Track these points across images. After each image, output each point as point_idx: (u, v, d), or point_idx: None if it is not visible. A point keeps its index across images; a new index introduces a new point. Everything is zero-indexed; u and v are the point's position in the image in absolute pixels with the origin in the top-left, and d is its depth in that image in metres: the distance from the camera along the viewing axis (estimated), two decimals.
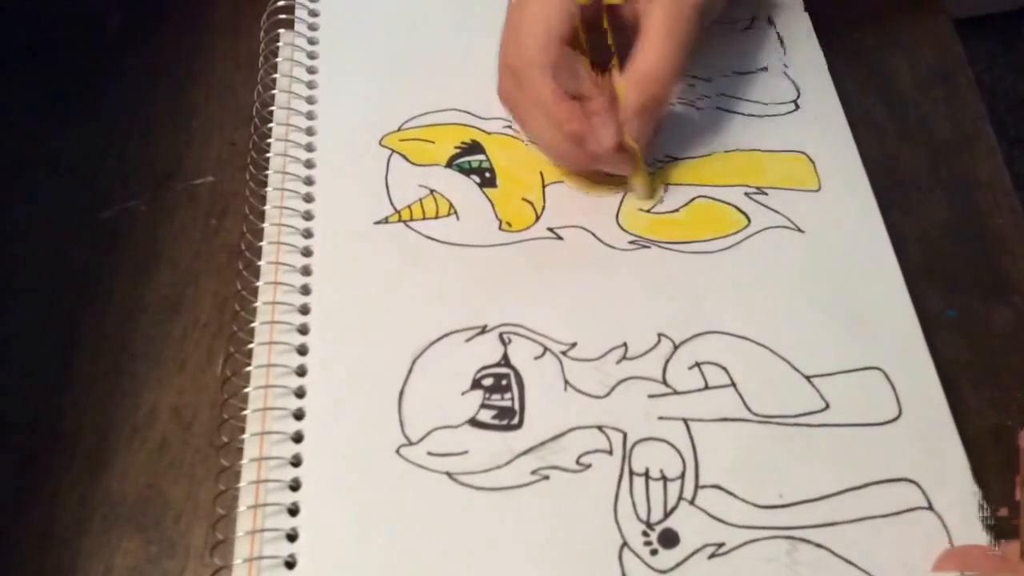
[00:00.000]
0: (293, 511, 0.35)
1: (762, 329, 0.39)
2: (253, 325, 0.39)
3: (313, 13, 0.49)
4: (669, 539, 0.35)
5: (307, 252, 0.41)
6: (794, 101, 0.46)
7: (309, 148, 0.44)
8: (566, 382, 0.38)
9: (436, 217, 0.42)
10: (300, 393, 0.38)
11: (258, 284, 0.40)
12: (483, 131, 0.45)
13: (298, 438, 0.37)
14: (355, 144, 0.45)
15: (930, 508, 0.35)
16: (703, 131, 0.45)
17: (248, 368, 0.38)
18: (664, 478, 0.36)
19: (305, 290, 0.40)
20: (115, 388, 0.40)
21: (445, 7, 0.50)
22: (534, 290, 0.40)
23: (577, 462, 0.36)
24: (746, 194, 0.43)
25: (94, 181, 0.46)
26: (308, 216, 0.42)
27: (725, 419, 0.37)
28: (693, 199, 0.43)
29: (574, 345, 0.39)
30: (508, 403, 0.37)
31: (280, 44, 0.47)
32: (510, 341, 0.39)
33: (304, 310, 0.40)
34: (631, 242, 0.42)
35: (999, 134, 0.48)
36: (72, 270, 0.43)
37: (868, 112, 0.48)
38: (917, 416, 0.37)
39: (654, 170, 0.44)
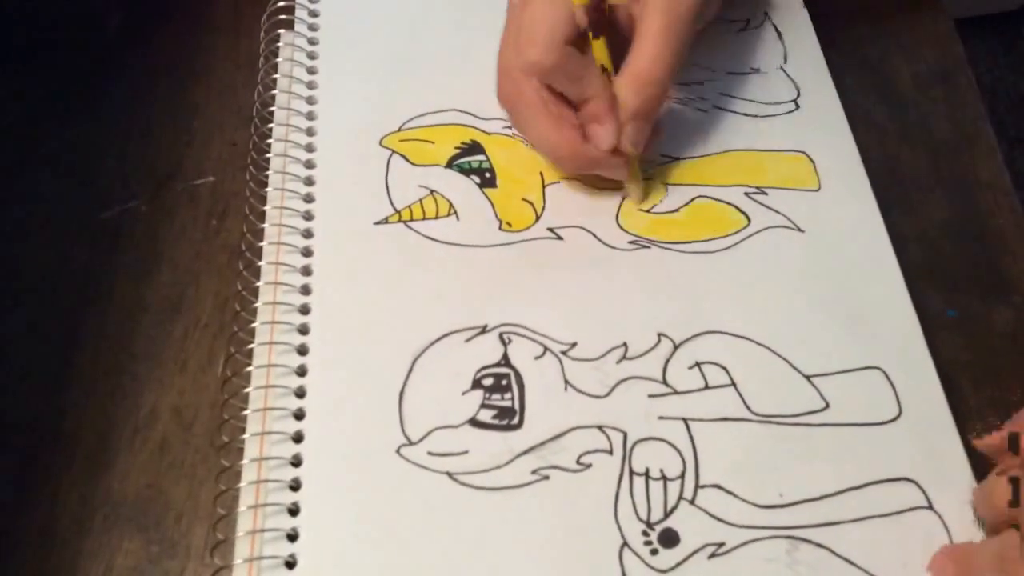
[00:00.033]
0: (293, 511, 0.35)
1: (762, 329, 0.39)
2: (254, 325, 0.39)
3: (313, 13, 0.49)
4: (669, 539, 0.35)
5: (307, 252, 0.41)
6: (794, 101, 0.46)
7: (309, 148, 0.44)
8: (566, 382, 0.38)
9: (436, 217, 0.42)
10: (300, 393, 0.38)
11: (258, 284, 0.40)
12: (483, 131, 0.45)
13: (298, 438, 0.37)
14: (355, 144, 0.45)
15: (930, 508, 0.35)
16: (703, 131, 0.45)
17: (248, 368, 0.38)
18: (664, 478, 0.36)
19: (305, 290, 0.40)
20: (116, 388, 0.40)
21: (445, 7, 0.50)
22: (534, 290, 0.40)
23: (577, 462, 0.36)
24: (746, 194, 0.43)
25: (94, 181, 0.46)
26: (308, 216, 0.42)
27: (725, 419, 0.37)
28: (693, 199, 0.43)
29: (574, 345, 0.39)
30: (508, 403, 0.37)
31: (280, 44, 0.47)
32: (510, 341, 0.39)
33: (304, 310, 0.40)
34: (631, 242, 0.42)
35: (999, 134, 0.48)
36: (72, 270, 0.43)
37: (868, 112, 0.48)
38: (917, 416, 0.37)
39: (652, 170, 0.44)
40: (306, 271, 0.41)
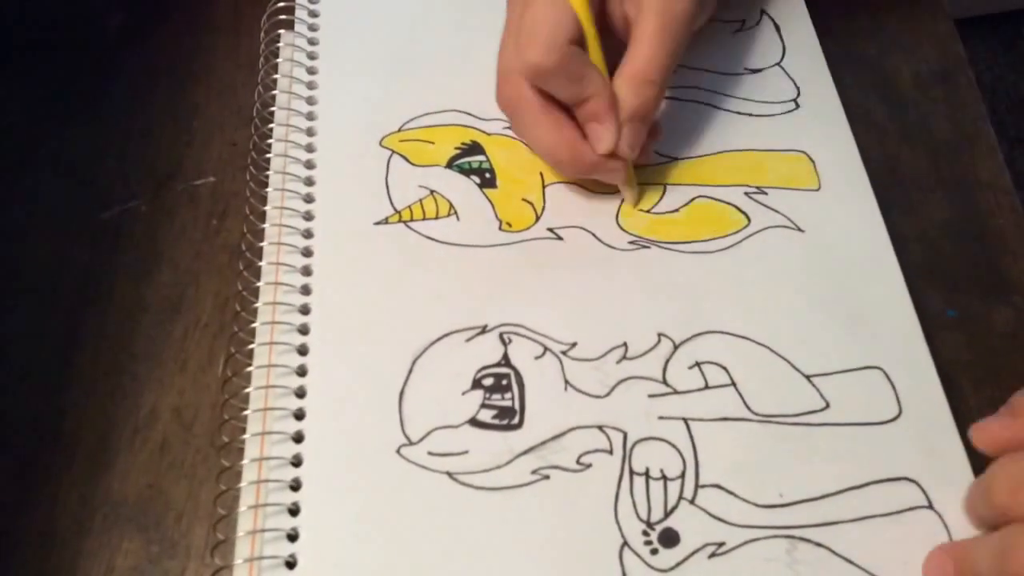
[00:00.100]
0: (293, 511, 0.35)
1: (762, 329, 0.39)
2: (254, 325, 0.39)
3: (313, 13, 0.49)
4: (669, 538, 0.35)
5: (307, 252, 0.41)
6: (794, 100, 0.46)
7: (309, 148, 0.44)
8: (566, 382, 0.38)
9: (436, 217, 0.42)
10: (300, 393, 0.38)
11: (259, 284, 0.40)
12: (483, 132, 0.45)
13: (299, 438, 0.37)
14: (355, 144, 0.45)
15: (930, 507, 0.35)
16: (703, 131, 0.45)
17: (249, 368, 0.38)
18: (664, 477, 0.36)
19: (305, 290, 0.40)
20: (116, 388, 0.40)
21: (445, 7, 0.50)
22: (534, 290, 0.40)
23: (577, 462, 0.36)
24: (746, 194, 0.43)
25: (94, 181, 0.46)
26: (308, 216, 0.42)
27: (725, 419, 0.37)
28: (693, 199, 0.43)
29: (574, 345, 0.39)
30: (508, 403, 0.37)
31: (280, 44, 0.47)
32: (510, 341, 0.39)
33: (304, 310, 0.40)
34: (631, 242, 0.42)
35: (999, 134, 0.48)
36: (73, 270, 0.43)
37: (868, 112, 0.48)
38: (917, 416, 0.37)
39: (652, 170, 0.44)
40: (306, 271, 0.41)
